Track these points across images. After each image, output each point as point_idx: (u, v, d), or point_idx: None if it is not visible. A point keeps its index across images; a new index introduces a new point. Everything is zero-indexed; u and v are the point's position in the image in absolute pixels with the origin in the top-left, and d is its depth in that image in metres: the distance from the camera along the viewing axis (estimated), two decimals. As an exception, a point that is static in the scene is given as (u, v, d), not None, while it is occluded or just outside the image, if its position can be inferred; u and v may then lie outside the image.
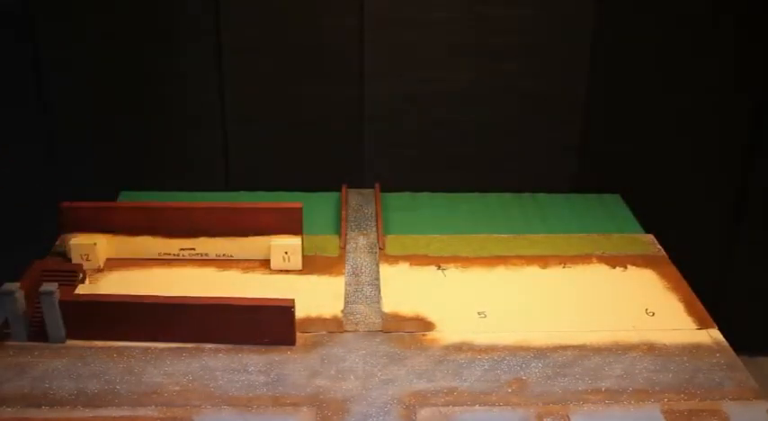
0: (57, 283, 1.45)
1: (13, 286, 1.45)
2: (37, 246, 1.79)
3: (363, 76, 2.27)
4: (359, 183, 2.26)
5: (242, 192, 2.11)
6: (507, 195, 2.15)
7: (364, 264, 1.80)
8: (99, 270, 1.71)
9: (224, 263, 1.75)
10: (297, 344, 1.50)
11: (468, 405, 1.37)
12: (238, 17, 2.24)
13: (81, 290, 1.58)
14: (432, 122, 2.36)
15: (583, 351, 1.51)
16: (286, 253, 1.67)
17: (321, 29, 2.22)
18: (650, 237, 1.94)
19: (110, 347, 1.48)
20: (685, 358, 1.50)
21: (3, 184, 2.50)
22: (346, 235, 1.91)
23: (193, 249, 1.74)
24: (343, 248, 1.85)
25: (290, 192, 2.14)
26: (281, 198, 2.00)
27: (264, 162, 2.44)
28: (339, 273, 1.75)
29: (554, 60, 2.29)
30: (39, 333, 1.48)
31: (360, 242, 1.90)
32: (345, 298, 1.66)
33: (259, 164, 2.45)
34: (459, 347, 1.52)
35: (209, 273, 1.72)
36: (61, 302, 1.45)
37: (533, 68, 2.29)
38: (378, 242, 1.89)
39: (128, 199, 2.06)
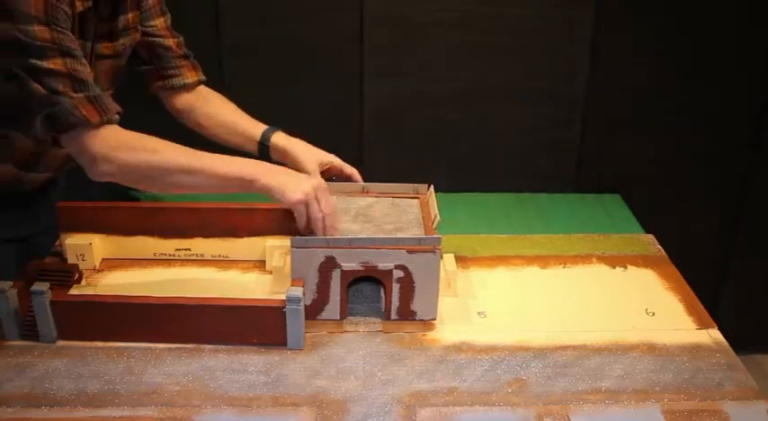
0: (48, 283, 1.45)
1: (5, 285, 1.45)
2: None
3: (363, 76, 2.27)
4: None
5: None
6: (507, 195, 2.15)
7: (364, 264, 1.79)
8: (95, 270, 1.71)
9: (220, 263, 1.74)
10: (297, 344, 1.50)
11: (468, 405, 1.37)
12: (238, 17, 2.24)
13: (77, 290, 1.57)
14: (431, 122, 2.36)
15: (583, 351, 1.51)
16: (282, 253, 1.66)
17: (321, 29, 2.22)
18: (650, 237, 1.94)
19: (110, 347, 1.48)
20: (685, 358, 1.50)
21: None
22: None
23: (189, 250, 1.74)
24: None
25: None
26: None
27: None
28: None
29: (554, 60, 2.29)
30: (31, 332, 1.48)
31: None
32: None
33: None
34: (459, 347, 1.52)
35: (206, 273, 1.72)
36: (53, 302, 1.45)
37: (533, 68, 2.29)
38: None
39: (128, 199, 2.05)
